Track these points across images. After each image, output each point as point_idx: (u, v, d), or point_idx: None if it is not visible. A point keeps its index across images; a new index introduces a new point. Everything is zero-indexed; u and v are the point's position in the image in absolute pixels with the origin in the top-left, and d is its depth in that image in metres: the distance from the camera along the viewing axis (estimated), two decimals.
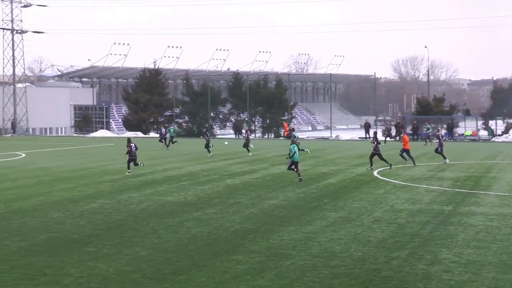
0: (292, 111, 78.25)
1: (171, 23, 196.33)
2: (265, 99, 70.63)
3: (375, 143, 29.77)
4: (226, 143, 49.64)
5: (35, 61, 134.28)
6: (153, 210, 18.06)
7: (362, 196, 20.43)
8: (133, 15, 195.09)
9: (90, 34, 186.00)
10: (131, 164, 28.03)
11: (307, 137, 64.56)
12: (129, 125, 76.54)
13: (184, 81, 78.53)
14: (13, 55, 76.02)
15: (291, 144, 25.49)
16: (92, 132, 74.49)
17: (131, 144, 28.26)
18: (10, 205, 18.93)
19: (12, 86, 76.53)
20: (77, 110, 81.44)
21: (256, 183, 24.24)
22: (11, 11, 76.55)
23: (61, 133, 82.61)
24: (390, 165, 29.14)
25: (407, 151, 31.40)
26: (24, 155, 39.22)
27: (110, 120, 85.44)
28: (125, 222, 16.30)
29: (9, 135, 71.40)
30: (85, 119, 77.93)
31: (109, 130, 78.29)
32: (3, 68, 76.58)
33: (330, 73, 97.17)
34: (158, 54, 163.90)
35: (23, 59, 78.11)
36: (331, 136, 64.99)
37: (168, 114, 76.37)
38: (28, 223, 16.11)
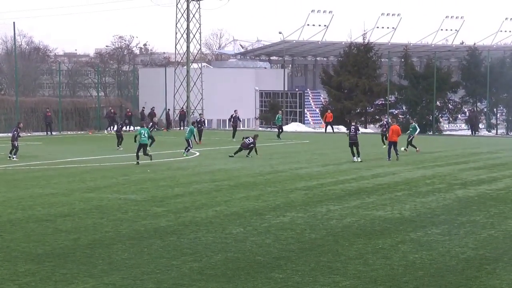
0: None
1: None
2: None
3: None
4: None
5: (214, 36, 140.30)
6: (358, 228, 18.19)
7: None
8: None
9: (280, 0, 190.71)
10: None
11: None
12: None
13: (402, 60, 78.08)
14: (187, 27, 79.10)
15: None
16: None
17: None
18: (181, 216, 20.00)
19: (185, 67, 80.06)
20: (264, 97, 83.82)
21: (497, 196, 23.59)
22: None
23: (244, 126, 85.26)
24: None
25: None
26: (197, 153, 41.15)
27: (305, 110, 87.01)
28: (322, 242, 16.57)
29: (180, 128, 74.78)
30: (274, 109, 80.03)
31: (303, 123, 79.81)
32: (176, 45, 79.95)
33: None
34: (369, 24, 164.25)
35: (200, 33, 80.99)
36: None
37: (380, 103, 76.32)
38: (201, 239, 16.93)
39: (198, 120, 51.66)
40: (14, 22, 69.31)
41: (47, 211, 20.93)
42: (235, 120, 53.25)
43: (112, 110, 69.05)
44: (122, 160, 37.23)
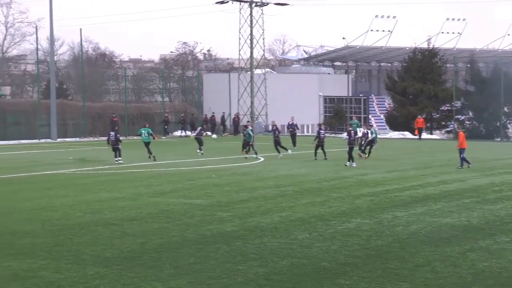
0: None
1: None
2: None
3: None
4: None
5: (277, 41, 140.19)
6: (425, 235, 18.00)
7: None
8: None
9: (345, 5, 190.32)
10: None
11: None
12: (393, 122, 77.04)
13: (468, 65, 77.10)
14: (251, 33, 79.48)
15: None
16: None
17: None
18: (246, 221, 20.04)
19: (249, 72, 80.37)
20: (328, 102, 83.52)
21: None
22: None
23: (307, 131, 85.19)
24: None
25: None
26: (262, 159, 41.24)
27: (370, 116, 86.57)
28: (388, 249, 16.45)
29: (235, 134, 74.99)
30: (338, 115, 79.80)
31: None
32: (239, 50, 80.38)
33: None
34: (434, 29, 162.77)
35: (263, 39, 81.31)
36: None
37: (446, 108, 75.48)
38: (267, 244, 16.94)
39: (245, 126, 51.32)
40: (80, 29, 70.87)
41: (114, 215, 21.18)
42: (292, 127, 52.81)
43: (181, 115, 69.98)
44: (187, 165, 37.51)
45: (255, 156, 41.40)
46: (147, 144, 41.09)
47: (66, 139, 63.60)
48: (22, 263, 14.98)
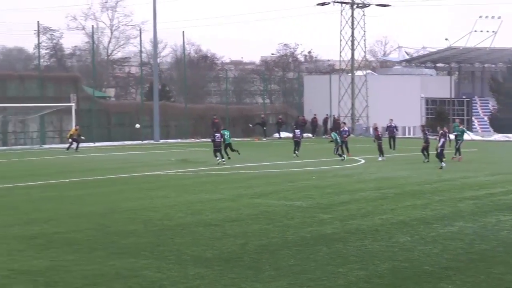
0: None
1: None
2: None
3: None
4: None
5: (378, 43, 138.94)
6: None
7: None
8: None
9: (448, 5, 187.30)
10: None
11: None
12: (497, 124, 75.38)
13: None
14: (352, 35, 79.22)
15: None
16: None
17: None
18: (347, 224, 19.92)
19: (350, 74, 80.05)
20: (429, 104, 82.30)
21: None
22: None
23: (408, 133, 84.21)
24: None
25: None
26: (363, 161, 40.97)
27: (473, 118, 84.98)
28: (492, 253, 16.10)
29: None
30: (440, 116, 78.59)
31: (471, 131, 77.94)
32: (340, 52, 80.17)
33: None
34: None
35: (364, 40, 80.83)
36: None
37: None
38: (368, 247, 16.79)
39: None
40: (183, 31, 71.43)
41: (215, 216, 21.36)
42: (391, 130, 51.89)
43: (279, 117, 70.25)
44: (287, 166, 37.56)
45: (340, 158, 41.17)
46: (229, 145, 41.21)
47: (168, 141, 64.55)
48: (125, 262, 15.26)
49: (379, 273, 14.33)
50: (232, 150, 41.04)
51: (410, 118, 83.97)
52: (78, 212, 22.16)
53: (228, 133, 41.56)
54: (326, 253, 16.08)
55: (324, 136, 72.24)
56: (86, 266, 14.89)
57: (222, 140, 39.50)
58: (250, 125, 70.94)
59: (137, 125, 55.45)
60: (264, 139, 67.60)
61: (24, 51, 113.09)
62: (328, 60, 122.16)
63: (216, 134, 39.80)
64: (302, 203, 23.88)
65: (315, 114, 74.08)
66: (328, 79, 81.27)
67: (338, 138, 42.00)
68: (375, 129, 44.88)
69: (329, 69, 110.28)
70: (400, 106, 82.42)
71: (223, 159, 38.98)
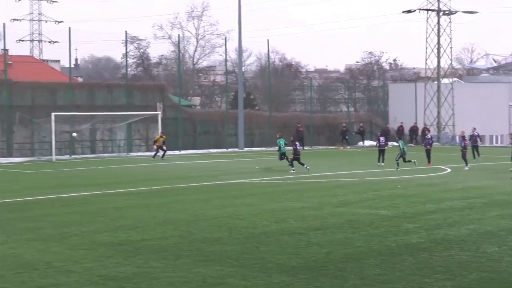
0: None
1: None
2: None
3: None
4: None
5: (465, 50, 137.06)
6: None
7: None
8: None
9: None
10: None
11: None
12: None
13: None
14: (438, 42, 78.29)
15: None
16: None
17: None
18: (433, 233, 19.68)
19: (435, 82, 79.12)
20: None
21: None
22: None
23: (495, 142, 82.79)
24: None
25: None
26: (449, 170, 40.42)
27: None
28: None
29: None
30: None
31: None
32: (426, 60, 79.32)
33: None
34: None
35: (450, 48, 79.90)
36: None
37: None
38: (454, 257, 16.55)
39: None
40: (268, 40, 71.79)
41: (299, 224, 21.37)
42: (474, 139, 50.74)
43: (360, 125, 69.95)
44: (371, 175, 37.35)
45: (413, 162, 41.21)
46: (284, 154, 42.01)
47: (253, 149, 64.82)
48: (210, 269, 15.39)
49: (466, 284, 14.12)
50: (282, 159, 42.08)
51: (498, 127, 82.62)
52: (164, 219, 22.46)
53: (283, 142, 42.25)
54: (412, 263, 15.92)
55: (409, 145, 71.55)
56: (172, 273, 15.07)
57: (302, 148, 39.91)
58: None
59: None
60: (348, 147, 67.35)
61: (112, 60, 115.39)
62: (414, 68, 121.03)
63: (296, 143, 40.13)
64: (387, 212, 23.70)
65: (401, 123, 73.33)
66: (413, 87, 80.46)
67: (404, 147, 41.76)
68: (463, 137, 44.16)
69: (414, 77, 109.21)
70: (487, 114, 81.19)
71: (294, 168, 39.27)
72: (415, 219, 22.21)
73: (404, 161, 41.21)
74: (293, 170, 39.11)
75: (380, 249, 17.54)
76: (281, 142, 42.15)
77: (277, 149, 43.72)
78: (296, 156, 39.73)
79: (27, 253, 17.15)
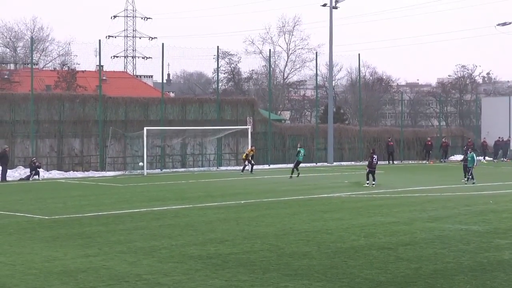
0: None
1: None
2: None
3: None
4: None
5: None
6: None
7: None
8: None
9: None
10: None
11: None
12: None
13: None
14: None
15: None
16: None
17: None
18: None
19: None
20: None
21: None
22: None
23: None
24: None
25: None
26: None
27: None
28: None
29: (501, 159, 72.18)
30: None
31: None
32: None
33: None
34: None
35: None
36: None
37: None
38: None
39: None
40: (359, 54, 71.70)
41: (388, 239, 21.18)
42: None
43: (444, 140, 69.10)
44: (462, 190, 36.76)
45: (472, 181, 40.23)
46: (299, 163, 46.42)
47: (342, 163, 64.54)
48: (298, 283, 15.38)
49: None
50: (296, 169, 45.90)
51: None
52: (252, 233, 22.55)
53: (303, 151, 45.97)
54: (504, 280, 15.60)
55: (495, 160, 70.19)
56: (260, 287, 15.12)
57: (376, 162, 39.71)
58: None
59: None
60: (443, 160, 66.77)
61: (203, 75, 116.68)
62: (508, 81, 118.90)
63: (374, 156, 39.99)
64: (478, 228, 23.28)
65: (484, 138, 72.14)
66: (507, 100, 79.03)
67: (475, 160, 41.02)
68: None
69: (508, 91, 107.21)
70: None
71: (374, 182, 39.13)
72: (507, 234, 21.79)
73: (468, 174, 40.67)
74: (367, 184, 39.26)
75: (471, 265, 17.24)
76: (301, 151, 46.54)
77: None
78: (371, 170, 39.63)
79: (118, 265, 17.44)
